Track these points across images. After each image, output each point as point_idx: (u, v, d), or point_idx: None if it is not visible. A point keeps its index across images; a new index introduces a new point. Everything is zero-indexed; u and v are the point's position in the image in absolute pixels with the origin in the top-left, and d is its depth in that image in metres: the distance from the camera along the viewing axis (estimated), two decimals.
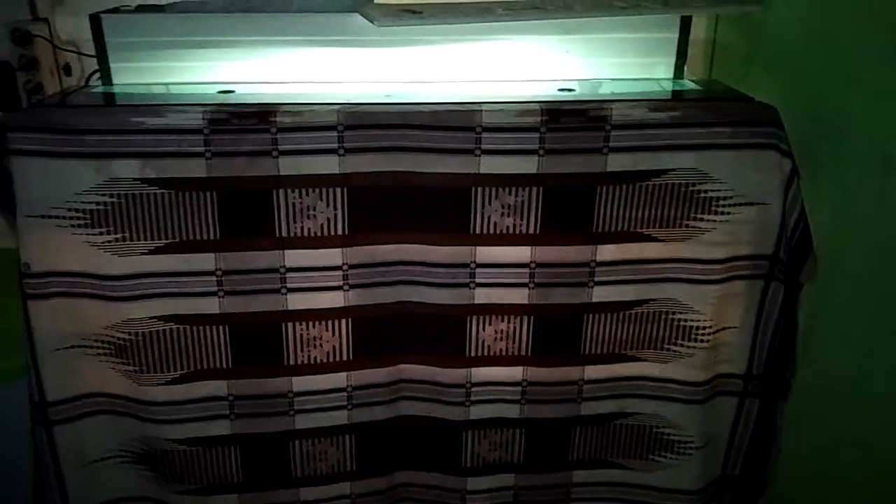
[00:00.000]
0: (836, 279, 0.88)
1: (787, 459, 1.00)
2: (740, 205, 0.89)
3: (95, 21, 0.94)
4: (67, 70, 1.16)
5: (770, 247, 0.91)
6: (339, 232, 0.88)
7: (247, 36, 0.95)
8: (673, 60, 1.01)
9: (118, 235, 0.86)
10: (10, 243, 0.89)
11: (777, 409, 0.98)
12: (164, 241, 0.87)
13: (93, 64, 1.09)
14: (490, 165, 0.87)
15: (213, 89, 0.94)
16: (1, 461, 1.03)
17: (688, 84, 1.00)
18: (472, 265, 0.91)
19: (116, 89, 0.96)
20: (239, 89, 0.95)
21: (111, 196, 0.84)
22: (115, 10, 1.00)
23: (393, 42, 0.96)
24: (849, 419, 0.89)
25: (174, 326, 0.90)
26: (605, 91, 0.98)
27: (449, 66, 0.98)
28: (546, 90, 0.96)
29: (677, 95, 0.97)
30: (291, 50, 0.96)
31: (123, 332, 0.89)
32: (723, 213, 0.90)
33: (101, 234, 0.85)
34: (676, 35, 0.99)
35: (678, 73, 1.01)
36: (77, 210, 0.84)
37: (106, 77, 0.96)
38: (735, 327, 0.96)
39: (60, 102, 0.91)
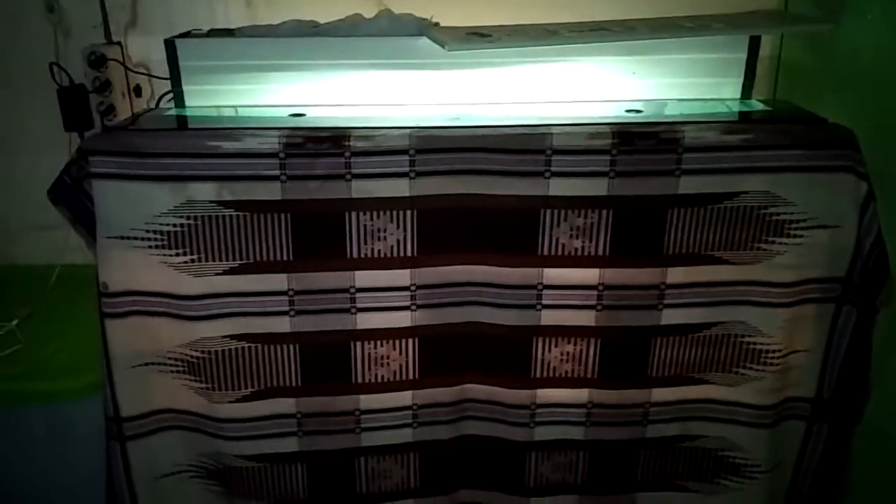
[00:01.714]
0: None
1: (857, 487, 0.98)
2: (813, 228, 0.88)
3: (170, 46, 0.96)
4: (138, 91, 1.19)
5: (843, 270, 0.90)
6: (409, 253, 0.89)
7: (315, 59, 0.97)
8: (741, 80, 1.00)
9: (194, 256, 0.87)
10: (78, 259, 0.92)
11: (849, 435, 0.97)
12: (239, 262, 0.88)
13: (162, 85, 1.12)
14: (559, 187, 0.87)
15: (284, 112, 0.96)
16: (70, 476, 1.06)
17: (756, 104, 1.00)
18: (540, 287, 0.91)
19: (188, 111, 0.98)
20: (309, 112, 0.96)
21: (188, 218, 0.86)
22: (187, 34, 1.02)
23: (458, 65, 0.97)
24: None
25: (246, 345, 0.91)
26: (673, 112, 0.97)
27: (515, 87, 0.99)
28: (614, 111, 0.97)
29: (746, 116, 0.96)
30: (359, 73, 0.98)
31: (196, 351, 0.91)
32: (795, 235, 0.89)
33: (177, 254, 0.87)
34: (745, 55, 0.99)
35: (746, 93, 1.00)
36: (155, 231, 0.86)
37: (179, 100, 0.99)
38: (805, 351, 0.94)
39: (137, 126, 0.93)
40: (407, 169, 0.86)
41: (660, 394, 0.96)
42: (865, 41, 0.94)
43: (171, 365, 0.92)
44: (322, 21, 1.01)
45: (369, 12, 1.02)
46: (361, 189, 0.86)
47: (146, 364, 0.92)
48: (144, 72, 1.18)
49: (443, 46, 0.90)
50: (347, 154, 0.85)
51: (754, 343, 0.93)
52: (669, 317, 0.92)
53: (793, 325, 0.92)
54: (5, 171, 1.26)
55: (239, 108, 0.99)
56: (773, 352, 0.93)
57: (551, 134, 0.85)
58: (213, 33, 1.03)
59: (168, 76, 0.99)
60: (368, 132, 0.86)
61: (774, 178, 0.87)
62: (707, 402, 0.97)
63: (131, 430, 0.94)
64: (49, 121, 1.17)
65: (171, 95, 1.03)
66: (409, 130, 0.86)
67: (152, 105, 1.19)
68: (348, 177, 0.86)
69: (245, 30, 1.00)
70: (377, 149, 0.85)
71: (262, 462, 0.96)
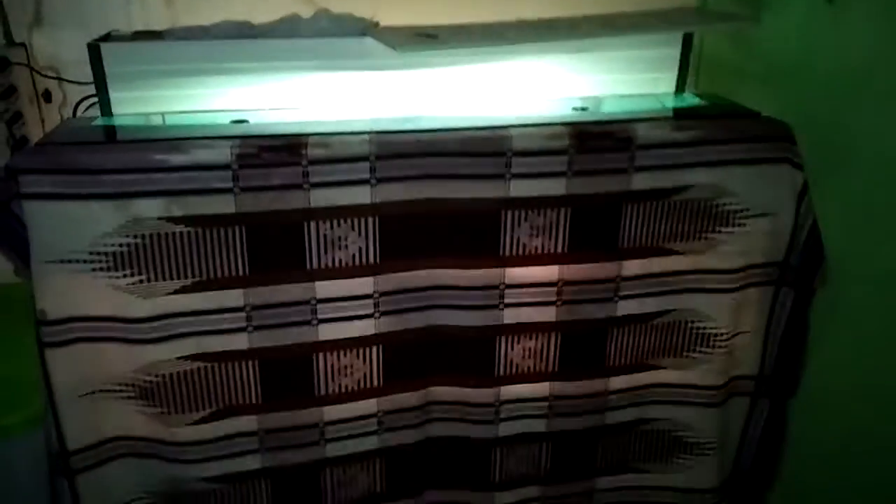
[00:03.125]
0: (846, 284, 0.93)
1: (796, 455, 1.05)
2: (755, 216, 0.93)
3: (94, 50, 0.89)
4: (47, 97, 1.10)
5: (781, 254, 0.96)
6: (371, 261, 0.87)
7: (254, 62, 0.92)
8: (675, 75, 1.03)
9: (142, 277, 0.82)
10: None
11: (786, 407, 1.03)
12: (191, 280, 0.84)
13: (75, 90, 1.05)
14: (519, 188, 0.87)
15: (223, 119, 0.92)
16: None
17: (690, 99, 1.03)
18: (502, 286, 0.91)
19: (118, 121, 0.92)
20: (251, 118, 0.92)
21: (134, 237, 0.81)
22: (107, 37, 0.95)
23: (404, 65, 0.95)
24: (858, 415, 0.94)
25: (201, 365, 0.87)
26: (615, 107, 0.99)
27: (461, 86, 0.98)
28: (560, 108, 0.98)
29: (687, 112, 0.99)
30: (302, 75, 0.94)
31: (149, 375, 0.86)
32: (739, 224, 0.93)
33: (124, 276, 0.82)
34: (678, 52, 1.02)
35: (680, 87, 1.04)
36: (98, 253, 0.80)
37: (105, 108, 0.92)
38: (748, 332, 1.00)
39: (61, 138, 0.85)
40: (368, 176, 0.84)
41: (617, 382, 0.99)
42: (786, 37, 0.99)
43: (121, 391, 0.86)
44: (254, 21, 0.96)
45: (304, 12, 0.98)
46: (321, 198, 0.84)
47: (93, 392, 0.86)
48: (54, 75, 1.09)
49: (393, 48, 0.88)
50: (305, 162, 0.82)
51: (704, 328, 0.97)
52: (625, 308, 0.95)
53: (738, 309, 0.97)
54: None
55: (172, 116, 0.93)
56: (721, 335, 0.98)
57: (511, 136, 0.85)
58: (139, 36, 0.96)
59: (82, 80, 0.92)
60: (325, 139, 0.83)
61: (719, 171, 0.91)
62: (661, 386, 1.01)
63: (80, 462, 0.87)
64: None
65: (89, 102, 0.96)
66: (367, 136, 0.84)
67: (65, 112, 1.10)
68: (306, 186, 0.83)
69: (175, 31, 0.94)
70: (336, 156, 0.83)
71: (223, 483, 0.92)
